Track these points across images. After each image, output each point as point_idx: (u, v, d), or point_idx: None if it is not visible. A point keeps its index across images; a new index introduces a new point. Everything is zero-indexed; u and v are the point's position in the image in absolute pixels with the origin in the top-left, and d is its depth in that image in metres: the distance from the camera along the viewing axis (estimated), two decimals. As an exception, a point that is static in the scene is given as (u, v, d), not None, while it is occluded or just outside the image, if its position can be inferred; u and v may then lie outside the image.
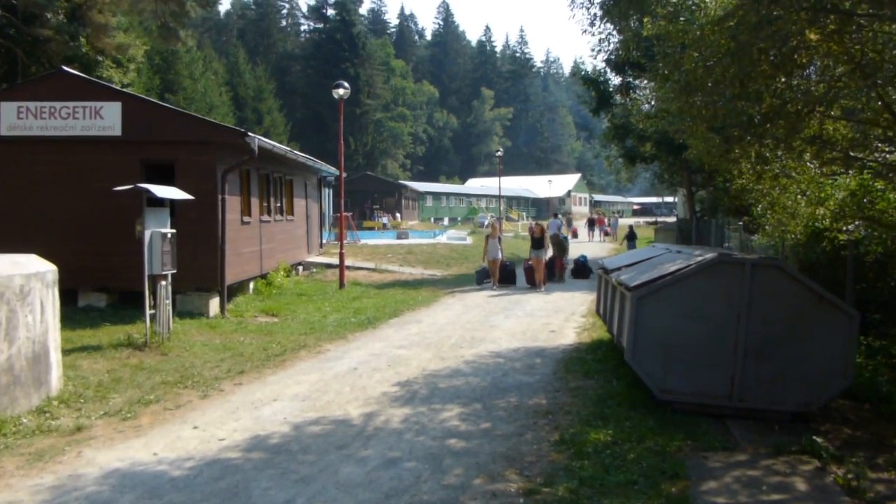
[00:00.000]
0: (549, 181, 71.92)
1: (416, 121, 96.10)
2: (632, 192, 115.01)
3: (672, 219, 53.21)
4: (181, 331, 10.52)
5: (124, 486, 5.02)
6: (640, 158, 25.44)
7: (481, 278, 17.28)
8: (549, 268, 17.96)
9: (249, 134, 12.51)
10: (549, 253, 18.12)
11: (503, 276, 17.12)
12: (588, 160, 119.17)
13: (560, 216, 27.13)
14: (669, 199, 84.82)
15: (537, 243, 16.77)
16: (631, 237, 28.85)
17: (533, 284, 16.55)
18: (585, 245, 33.46)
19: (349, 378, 8.14)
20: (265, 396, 7.36)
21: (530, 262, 16.92)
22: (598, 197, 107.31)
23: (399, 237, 33.89)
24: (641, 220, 71.56)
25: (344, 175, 19.39)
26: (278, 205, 16.89)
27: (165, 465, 5.41)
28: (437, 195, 71.21)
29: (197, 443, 5.94)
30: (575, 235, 40.79)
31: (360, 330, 11.43)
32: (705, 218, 24.95)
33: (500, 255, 16.86)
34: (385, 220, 49.14)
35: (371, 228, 45.28)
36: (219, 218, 12.28)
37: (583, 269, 19.90)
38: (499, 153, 49.46)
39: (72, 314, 11.13)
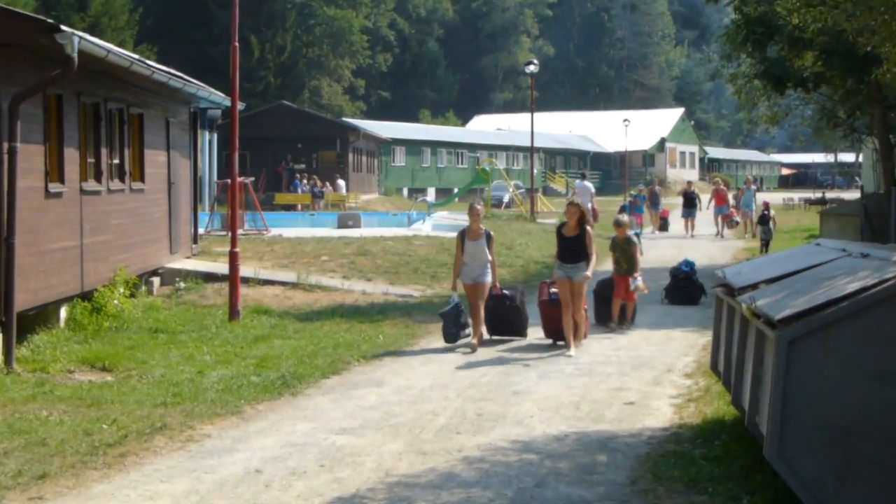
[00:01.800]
0: (626, 122, 71.95)
1: (375, 7, 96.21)
2: (776, 144, 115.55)
3: (853, 194, 53.48)
4: (-69, 398, 10.47)
5: None
6: (794, 81, 25.53)
7: (453, 328, 15.27)
8: (605, 299, 16.81)
9: (63, 28, 12.45)
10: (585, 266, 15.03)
11: (496, 319, 15.46)
12: (697, 83, 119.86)
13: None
14: (847, 157, 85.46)
15: (568, 248, 14.75)
16: (764, 220, 29.02)
17: (558, 337, 15.01)
18: (686, 244, 33.47)
19: (247, 489, 8.11)
20: (88, 523, 7.34)
21: (553, 291, 14.98)
22: (716, 152, 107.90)
23: (343, 224, 33.90)
24: (795, 195, 72.01)
25: (241, 107, 19.27)
26: (116, 162, 16.87)
27: None
28: (414, 145, 71.32)
29: None
30: (664, 226, 40.84)
31: (269, 398, 11.43)
32: (914, 192, 25.09)
33: (487, 277, 15.16)
34: (317, 190, 49.21)
35: (291, 207, 45.31)
36: (3, 186, 12.27)
37: (687, 286, 19.87)
38: (531, 69, 49.25)
39: None
